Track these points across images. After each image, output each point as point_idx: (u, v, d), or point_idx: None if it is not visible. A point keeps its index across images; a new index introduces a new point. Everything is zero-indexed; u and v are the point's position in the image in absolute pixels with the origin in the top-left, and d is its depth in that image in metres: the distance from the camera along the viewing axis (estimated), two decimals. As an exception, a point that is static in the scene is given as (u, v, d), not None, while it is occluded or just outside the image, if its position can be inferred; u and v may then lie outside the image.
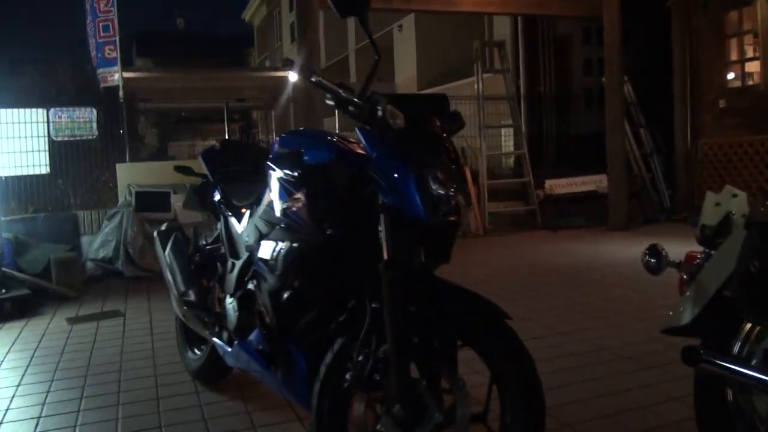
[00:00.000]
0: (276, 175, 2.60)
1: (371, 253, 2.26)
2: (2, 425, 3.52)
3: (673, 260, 2.56)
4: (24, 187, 9.25)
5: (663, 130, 11.15)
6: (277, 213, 2.58)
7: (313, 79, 2.39)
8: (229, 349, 3.22)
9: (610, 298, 5.67)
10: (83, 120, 9.44)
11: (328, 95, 2.38)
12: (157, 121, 26.74)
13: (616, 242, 8.78)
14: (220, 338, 3.36)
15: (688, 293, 2.48)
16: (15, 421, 3.56)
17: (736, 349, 2.29)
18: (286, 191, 2.52)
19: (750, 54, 10.55)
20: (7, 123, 8.57)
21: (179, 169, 4.14)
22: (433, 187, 2.18)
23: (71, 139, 9.51)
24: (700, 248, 2.55)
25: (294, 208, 2.47)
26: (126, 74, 12.26)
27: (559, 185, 10.96)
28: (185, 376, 4.09)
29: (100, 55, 11.96)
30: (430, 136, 2.32)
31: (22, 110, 8.82)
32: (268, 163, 2.68)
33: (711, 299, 2.32)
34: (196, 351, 4.06)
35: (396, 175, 2.20)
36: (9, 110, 8.71)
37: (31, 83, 13.90)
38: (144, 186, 8.49)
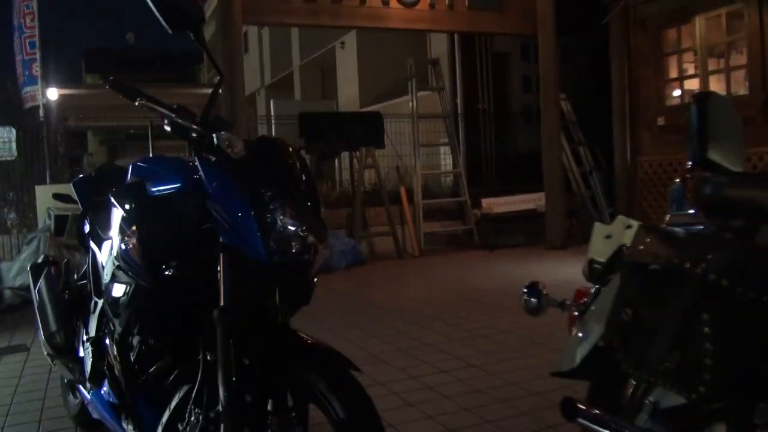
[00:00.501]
0: (115, 208, 2.32)
1: (215, 299, 2.00)
2: None
3: (556, 299, 2.35)
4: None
5: (603, 148, 11.06)
6: (114, 252, 2.30)
7: (140, 102, 2.11)
8: (88, 399, 2.91)
9: (534, 324, 5.34)
10: (2, 140, 9.03)
11: (164, 120, 2.11)
12: (105, 138, 26.26)
13: (553, 262, 8.61)
14: (83, 386, 3.05)
15: (574, 335, 2.27)
16: None
17: (625, 400, 2.06)
18: (121, 227, 2.24)
19: (690, 71, 10.49)
20: None
21: (57, 196, 3.85)
22: (281, 224, 1.94)
23: (-11, 159, 9.14)
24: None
25: (127, 247, 2.19)
26: (57, 91, 11.91)
27: (497, 204, 10.78)
28: (69, 422, 3.77)
29: (27, 72, 11.55)
30: (279, 166, 2.07)
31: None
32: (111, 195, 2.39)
33: (594, 346, 2.10)
34: (77, 394, 3.73)
35: (234, 212, 1.95)
36: None
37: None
38: (64, 209, 8.11)
